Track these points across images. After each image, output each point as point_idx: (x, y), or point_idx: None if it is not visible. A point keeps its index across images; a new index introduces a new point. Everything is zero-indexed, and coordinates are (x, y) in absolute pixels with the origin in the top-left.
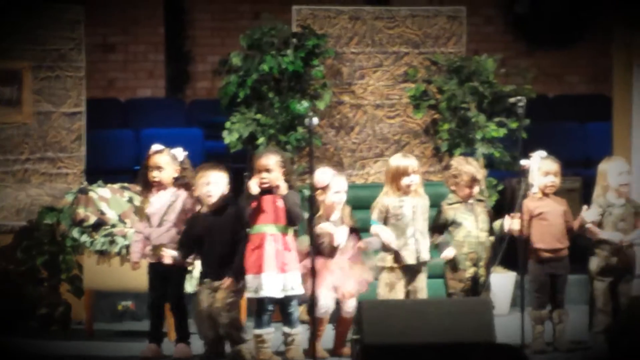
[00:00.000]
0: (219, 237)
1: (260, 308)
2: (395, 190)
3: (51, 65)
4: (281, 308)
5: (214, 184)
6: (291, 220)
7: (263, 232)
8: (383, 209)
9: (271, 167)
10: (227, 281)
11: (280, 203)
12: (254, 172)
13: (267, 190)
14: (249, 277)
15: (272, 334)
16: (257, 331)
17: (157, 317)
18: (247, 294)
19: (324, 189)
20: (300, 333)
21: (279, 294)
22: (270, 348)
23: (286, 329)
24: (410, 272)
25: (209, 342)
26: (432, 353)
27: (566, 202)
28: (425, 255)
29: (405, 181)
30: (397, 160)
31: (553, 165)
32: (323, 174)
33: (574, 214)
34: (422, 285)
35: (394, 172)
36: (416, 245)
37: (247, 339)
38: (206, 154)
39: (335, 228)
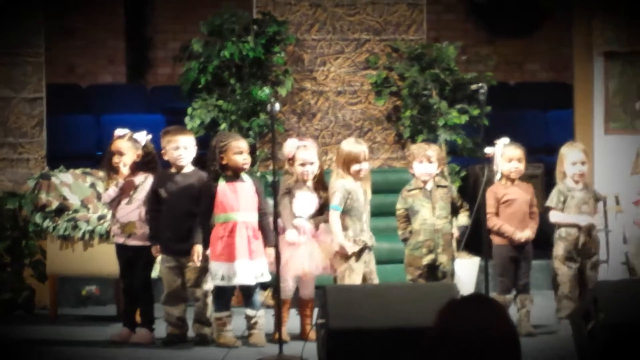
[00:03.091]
0: (183, 198)
1: (220, 291)
2: (347, 174)
3: (10, 51)
4: (244, 292)
5: (183, 148)
6: (261, 207)
7: (234, 220)
8: (345, 193)
9: (246, 150)
10: (196, 249)
11: (249, 190)
12: (230, 153)
13: (235, 177)
14: (218, 265)
15: (232, 316)
16: (217, 314)
17: (131, 303)
18: (217, 282)
19: (291, 160)
20: (262, 316)
21: (252, 281)
22: (231, 332)
23: (249, 312)
24: (366, 255)
25: (176, 323)
26: (397, 337)
27: (532, 188)
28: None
29: (356, 167)
30: (350, 145)
31: (516, 152)
32: (288, 146)
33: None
34: (374, 268)
35: (346, 158)
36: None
37: (211, 322)
38: None
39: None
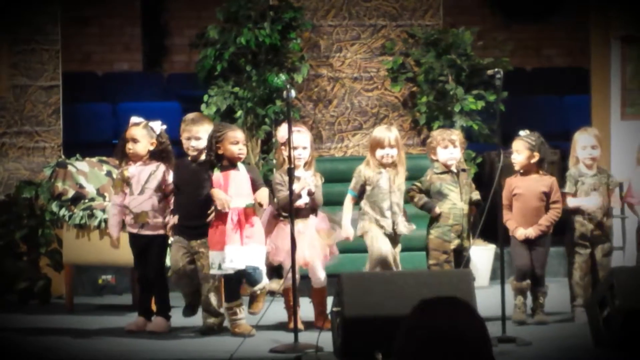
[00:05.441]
0: (193, 188)
1: (229, 281)
2: (374, 161)
3: (27, 39)
4: (245, 278)
5: (195, 138)
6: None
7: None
8: (361, 179)
9: (242, 140)
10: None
11: (242, 178)
12: (226, 143)
13: (231, 165)
14: (215, 254)
15: (242, 305)
16: (228, 304)
17: (145, 292)
18: (213, 271)
19: (285, 144)
20: (264, 286)
21: (241, 265)
22: (244, 320)
23: (250, 288)
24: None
25: (188, 296)
26: None
27: (551, 180)
28: (402, 228)
29: (379, 153)
30: (377, 131)
31: (516, 143)
32: (283, 130)
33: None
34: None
35: (372, 144)
36: (393, 217)
37: (222, 312)
38: None
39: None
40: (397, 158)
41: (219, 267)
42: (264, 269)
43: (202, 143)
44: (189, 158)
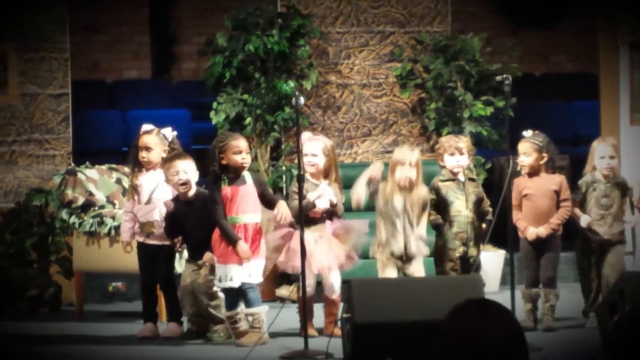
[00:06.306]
0: (195, 223)
1: (229, 291)
2: (392, 183)
3: (36, 47)
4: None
5: (183, 172)
6: (268, 203)
7: (233, 224)
8: (378, 188)
9: (245, 149)
10: (207, 255)
11: (248, 192)
12: (229, 153)
13: (236, 177)
14: (217, 267)
15: (241, 313)
16: (228, 313)
17: (150, 297)
18: (217, 284)
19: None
20: (262, 312)
21: (237, 284)
22: (244, 326)
23: (246, 310)
24: (401, 260)
25: (191, 319)
26: (423, 331)
27: (560, 179)
28: (414, 250)
29: (397, 174)
30: (397, 151)
31: (522, 145)
32: (304, 137)
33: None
34: (416, 270)
35: (392, 163)
36: (405, 238)
37: (224, 319)
38: (193, 135)
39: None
40: (416, 180)
41: (220, 280)
42: (259, 290)
43: (191, 177)
44: (177, 197)
